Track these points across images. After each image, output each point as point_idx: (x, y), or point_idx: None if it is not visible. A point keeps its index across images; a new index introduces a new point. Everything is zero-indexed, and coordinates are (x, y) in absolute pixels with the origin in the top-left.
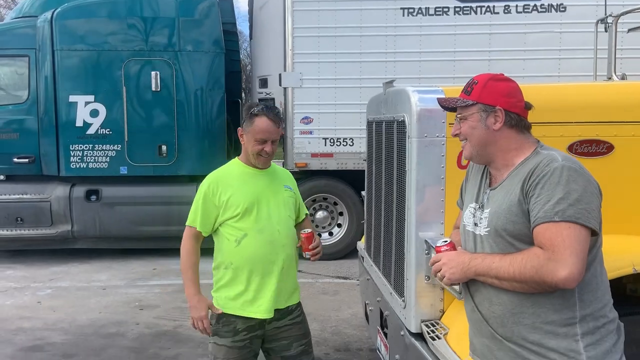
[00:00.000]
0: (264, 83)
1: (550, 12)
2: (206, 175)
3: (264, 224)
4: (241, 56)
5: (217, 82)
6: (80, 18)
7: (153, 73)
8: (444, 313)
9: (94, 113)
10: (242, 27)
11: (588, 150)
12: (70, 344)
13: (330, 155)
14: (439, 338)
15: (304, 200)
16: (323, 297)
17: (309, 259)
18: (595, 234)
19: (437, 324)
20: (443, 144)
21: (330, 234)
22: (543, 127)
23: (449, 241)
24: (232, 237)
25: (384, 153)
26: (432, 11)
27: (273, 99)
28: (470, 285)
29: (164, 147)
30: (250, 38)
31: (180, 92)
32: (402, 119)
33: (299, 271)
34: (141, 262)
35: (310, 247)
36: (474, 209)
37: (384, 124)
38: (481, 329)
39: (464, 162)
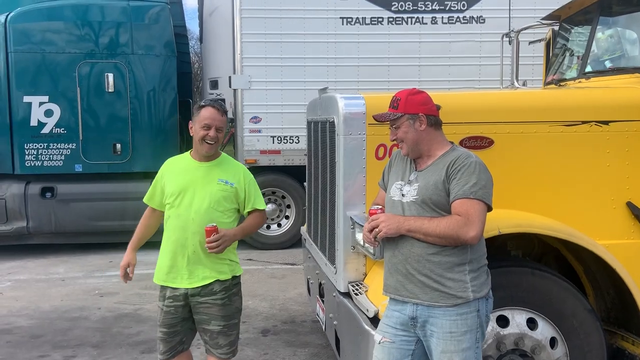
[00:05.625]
0: (214, 84)
1: (472, 23)
2: None
3: (182, 211)
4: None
5: (169, 84)
6: (35, 21)
7: (107, 75)
8: (366, 275)
9: (49, 113)
10: (189, 24)
11: (474, 145)
12: (37, 327)
13: (278, 152)
14: (361, 294)
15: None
16: (272, 281)
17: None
18: (490, 209)
19: (361, 284)
20: (364, 140)
21: (279, 225)
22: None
23: (380, 207)
24: (166, 214)
25: (319, 148)
26: (368, 21)
27: (223, 100)
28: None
29: (118, 146)
30: (201, 42)
31: (133, 93)
32: (333, 120)
33: (250, 259)
34: (97, 256)
35: (207, 239)
36: (401, 185)
37: (319, 124)
38: (398, 268)
39: (379, 154)
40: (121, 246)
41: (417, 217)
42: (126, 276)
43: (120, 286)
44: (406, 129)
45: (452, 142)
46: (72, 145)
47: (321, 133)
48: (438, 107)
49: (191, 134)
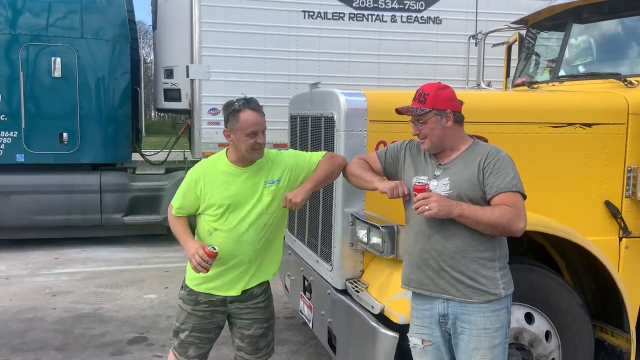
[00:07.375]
0: (169, 74)
1: (429, 23)
2: (109, 163)
3: (234, 224)
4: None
5: (121, 70)
6: None
7: (53, 59)
8: (363, 272)
9: None
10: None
11: None
12: None
13: None
14: (362, 291)
15: None
16: None
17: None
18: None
19: (359, 281)
20: (364, 137)
21: None
22: None
23: (427, 182)
24: (207, 226)
25: (309, 144)
26: (329, 15)
27: (179, 90)
28: (427, 230)
29: (65, 135)
30: (154, 29)
31: (83, 78)
32: (331, 115)
33: None
34: (40, 252)
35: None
36: (426, 180)
37: (309, 119)
38: (429, 264)
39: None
40: (66, 242)
41: (468, 204)
42: (204, 263)
43: (73, 285)
44: (433, 125)
45: (472, 137)
46: (14, 134)
47: (312, 128)
48: (461, 103)
49: (227, 140)
